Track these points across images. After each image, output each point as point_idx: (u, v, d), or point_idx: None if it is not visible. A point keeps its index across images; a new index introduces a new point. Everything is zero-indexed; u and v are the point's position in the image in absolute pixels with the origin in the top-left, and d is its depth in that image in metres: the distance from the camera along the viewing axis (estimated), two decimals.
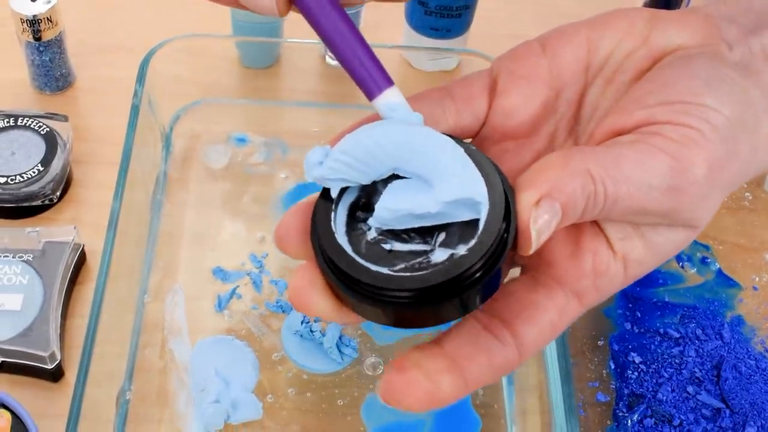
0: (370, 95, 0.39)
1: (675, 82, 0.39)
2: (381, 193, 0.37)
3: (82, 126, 0.76)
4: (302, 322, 0.63)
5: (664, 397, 0.62)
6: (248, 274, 0.67)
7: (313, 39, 0.78)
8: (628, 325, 0.66)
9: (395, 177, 0.37)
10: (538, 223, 0.35)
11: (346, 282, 0.35)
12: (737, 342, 0.66)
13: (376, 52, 0.39)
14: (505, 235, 0.35)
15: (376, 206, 0.36)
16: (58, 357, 0.63)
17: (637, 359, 0.64)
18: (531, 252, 0.36)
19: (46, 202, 0.71)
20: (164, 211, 0.70)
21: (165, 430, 0.60)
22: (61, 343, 0.64)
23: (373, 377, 0.63)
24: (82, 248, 0.68)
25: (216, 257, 0.68)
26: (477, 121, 0.41)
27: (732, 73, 0.40)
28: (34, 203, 0.70)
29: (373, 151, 0.37)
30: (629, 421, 0.62)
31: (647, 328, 0.66)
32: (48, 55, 0.75)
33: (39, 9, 0.72)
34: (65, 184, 0.72)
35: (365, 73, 0.39)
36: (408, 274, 0.35)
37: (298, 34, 0.79)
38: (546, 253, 0.38)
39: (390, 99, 0.38)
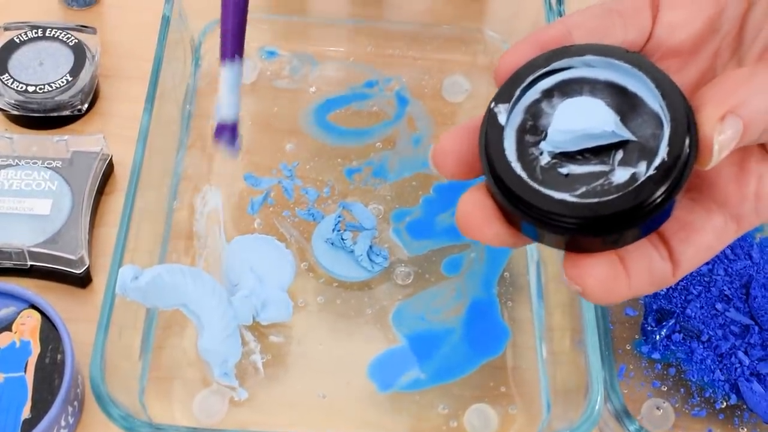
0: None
1: None
2: (549, 115, 0.36)
3: (109, 41, 0.76)
4: (333, 230, 0.63)
5: (693, 314, 0.62)
6: (279, 182, 0.67)
7: None
8: None
9: (562, 95, 0.37)
10: (721, 137, 0.34)
11: (526, 211, 0.35)
12: (766, 262, 0.65)
13: None
14: (689, 151, 0.34)
15: (550, 129, 0.36)
16: (87, 261, 0.62)
17: None
18: (709, 167, 0.35)
19: (75, 112, 0.70)
20: (193, 123, 0.70)
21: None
22: (89, 249, 0.63)
23: (402, 287, 0.63)
24: (110, 159, 0.68)
25: (246, 166, 0.68)
26: (642, 36, 0.40)
27: None
28: (62, 113, 0.70)
29: (164, 289, 0.54)
30: (658, 335, 0.62)
31: None
32: None
33: None
34: (93, 96, 0.72)
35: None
36: (594, 200, 0.34)
37: None
38: (709, 174, 0.37)
39: None
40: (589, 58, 0.37)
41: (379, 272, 0.63)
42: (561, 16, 0.68)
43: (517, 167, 0.35)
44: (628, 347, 0.62)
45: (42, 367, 0.56)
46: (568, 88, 0.37)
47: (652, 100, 0.36)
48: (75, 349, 0.57)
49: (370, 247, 0.63)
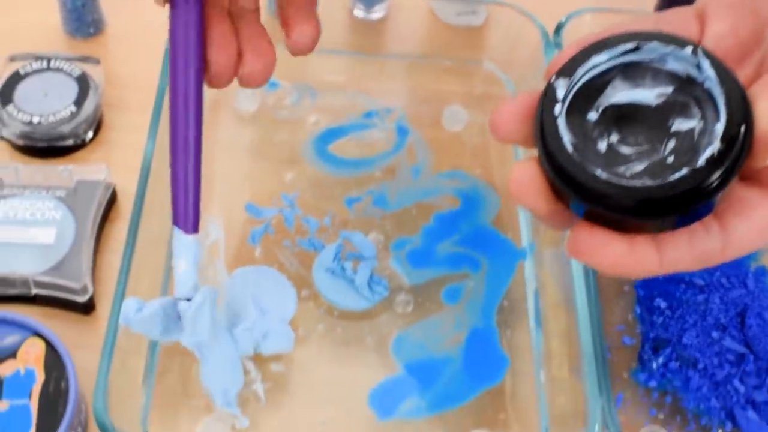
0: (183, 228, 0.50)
1: None
2: (608, 95, 0.37)
3: (113, 72, 0.77)
4: (334, 259, 0.64)
5: (689, 342, 0.63)
6: (280, 211, 0.67)
7: None
8: None
9: (624, 78, 0.38)
10: None
11: (576, 189, 0.35)
12: (761, 291, 0.66)
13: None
14: (744, 142, 0.35)
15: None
16: (90, 289, 0.63)
17: (663, 304, 0.65)
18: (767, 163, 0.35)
19: (78, 142, 0.71)
20: None
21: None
22: (92, 277, 0.64)
23: (402, 315, 0.64)
24: (114, 187, 0.69)
25: (247, 196, 0.69)
26: None
27: None
28: (66, 143, 0.71)
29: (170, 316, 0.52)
30: (654, 363, 0.62)
31: (672, 277, 0.67)
32: (80, 0, 0.76)
33: None
34: (96, 126, 0.72)
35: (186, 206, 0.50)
36: (646, 183, 0.35)
37: None
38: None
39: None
40: (654, 44, 0.38)
41: (379, 301, 0.64)
42: (558, 47, 0.69)
43: (569, 145, 0.36)
44: (625, 375, 0.63)
45: (46, 394, 0.57)
46: (630, 71, 0.38)
47: (711, 89, 0.37)
48: (79, 377, 0.58)
49: (371, 276, 0.64)
